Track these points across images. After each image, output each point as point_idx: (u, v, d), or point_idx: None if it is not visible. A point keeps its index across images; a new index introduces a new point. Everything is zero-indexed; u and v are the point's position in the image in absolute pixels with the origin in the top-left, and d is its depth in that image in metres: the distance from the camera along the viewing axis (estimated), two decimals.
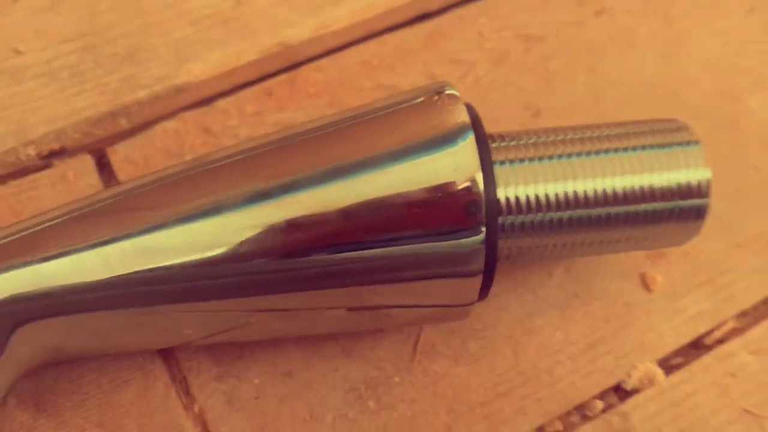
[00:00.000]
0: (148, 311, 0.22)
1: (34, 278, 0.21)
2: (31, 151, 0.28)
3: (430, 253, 0.22)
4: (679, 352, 0.27)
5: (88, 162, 0.28)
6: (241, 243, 0.21)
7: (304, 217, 0.21)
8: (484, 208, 0.21)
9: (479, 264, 0.22)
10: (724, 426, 0.26)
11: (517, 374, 0.26)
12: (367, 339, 0.26)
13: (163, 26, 0.30)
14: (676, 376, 0.27)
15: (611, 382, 0.26)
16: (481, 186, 0.21)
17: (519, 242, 0.23)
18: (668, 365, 0.27)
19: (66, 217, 0.22)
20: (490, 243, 0.22)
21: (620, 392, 0.27)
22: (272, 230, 0.21)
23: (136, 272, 0.21)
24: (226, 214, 0.22)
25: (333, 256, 0.22)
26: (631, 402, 0.26)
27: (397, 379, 0.26)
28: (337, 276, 0.23)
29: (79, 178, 0.28)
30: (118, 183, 0.28)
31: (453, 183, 0.21)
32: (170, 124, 0.29)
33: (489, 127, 0.25)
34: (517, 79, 0.31)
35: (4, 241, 0.22)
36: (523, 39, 0.32)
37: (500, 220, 0.23)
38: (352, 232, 0.21)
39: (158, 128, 0.29)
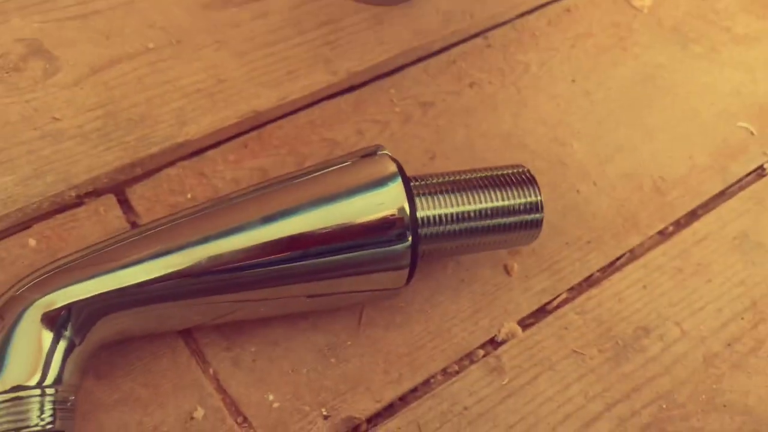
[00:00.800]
0: (188, 302, 0.31)
1: (112, 281, 0.30)
2: (73, 194, 0.35)
3: (375, 256, 0.32)
4: (531, 315, 0.37)
5: (112, 200, 0.36)
6: (251, 253, 0.31)
7: (295, 234, 0.31)
8: (409, 225, 0.32)
9: (407, 261, 0.32)
10: (560, 360, 0.36)
11: (428, 334, 0.36)
12: (327, 316, 0.35)
13: (163, 98, 0.38)
14: (530, 331, 0.37)
15: (488, 336, 0.36)
16: (408, 211, 0.31)
17: (430, 246, 0.33)
18: (524, 324, 0.37)
19: (127, 240, 0.31)
20: (414, 247, 0.32)
21: (494, 344, 0.36)
22: (273, 243, 0.31)
23: (179, 273, 0.30)
24: (240, 234, 0.31)
25: (306, 261, 0.31)
26: (501, 349, 0.36)
27: (349, 342, 0.35)
28: (307, 274, 0.32)
29: (107, 212, 0.36)
30: (136, 215, 0.36)
31: (389, 210, 0.31)
32: (173, 171, 0.37)
33: (406, 169, 0.36)
34: (418, 132, 0.41)
35: (86, 257, 0.31)
36: (420, 104, 0.42)
37: (420, 231, 0.33)
38: (326, 243, 0.31)
39: (164, 173, 0.37)
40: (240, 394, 0.33)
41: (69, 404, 0.29)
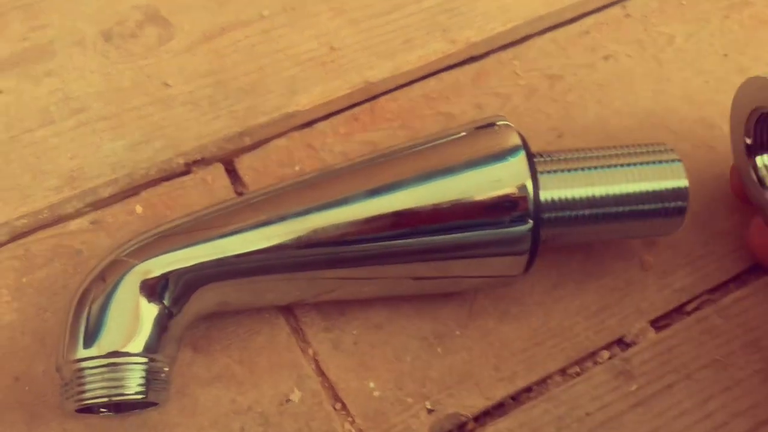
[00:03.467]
0: (289, 276, 0.30)
1: (213, 250, 0.28)
2: (181, 161, 0.35)
3: (490, 239, 0.29)
4: (666, 316, 0.33)
5: (219, 169, 0.35)
6: (356, 227, 0.29)
7: (404, 209, 0.29)
8: (531, 206, 0.28)
9: (526, 246, 0.29)
10: (699, 370, 0.32)
11: (547, 330, 0.33)
12: (434, 302, 0.33)
13: (275, 67, 0.37)
14: (665, 333, 0.33)
15: (615, 337, 0.33)
16: (531, 189, 0.28)
17: (554, 231, 0.30)
18: (658, 325, 0.33)
19: (230, 208, 0.30)
20: (535, 231, 0.29)
21: (622, 345, 0.33)
22: (380, 218, 0.29)
23: (281, 245, 0.28)
24: (345, 206, 0.29)
25: (412, 239, 0.29)
26: (630, 351, 0.32)
27: (458, 332, 0.32)
28: (414, 253, 0.29)
29: (214, 181, 0.35)
30: (244, 185, 0.35)
31: (510, 187, 0.28)
32: (282, 142, 0.36)
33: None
34: (543, 107, 0.37)
35: (187, 225, 0.30)
36: (547, 77, 0.38)
37: (543, 214, 0.29)
38: (437, 221, 0.29)
39: (273, 144, 0.36)
40: (339, 378, 0.31)
41: (163, 375, 0.28)
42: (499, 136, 0.29)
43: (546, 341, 0.32)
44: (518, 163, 0.29)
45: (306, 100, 0.36)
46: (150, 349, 0.28)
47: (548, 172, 0.30)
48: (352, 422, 0.31)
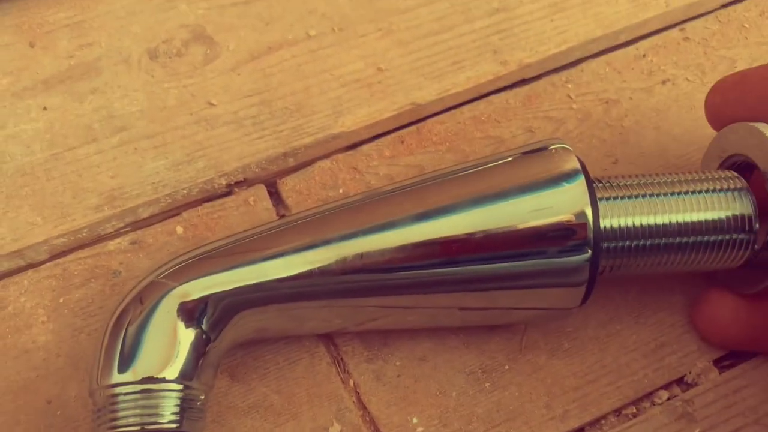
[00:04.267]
0: (330, 302, 0.28)
1: (253, 274, 0.27)
2: (223, 182, 0.34)
3: (544, 269, 0.27)
4: (731, 355, 0.31)
5: (262, 191, 0.34)
6: (402, 253, 0.27)
7: (453, 236, 0.27)
8: (590, 234, 0.27)
9: (584, 277, 0.27)
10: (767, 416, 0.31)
11: (601, 367, 0.31)
12: (482, 334, 0.31)
13: (321, 87, 0.36)
14: (729, 374, 0.31)
15: (675, 376, 0.31)
16: (590, 216, 0.26)
17: (614, 261, 0.28)
18: (722, 365, 0.31)
19: (272, 231, 0.28)
20: (594, 262, 0.27)
21: (682, 385, 0.31)
22: (427, 244, 0.27)
23: (323, 270, 0.27)
24: (391, 231, 0.27)
25: (459, 268, 0.28)
26: (691, 392, 0.30)
27: (507, 366, 0.31)
28: (461, 282, 0.28)
29: (256, 203, 0.34)
30: (286, 207, 0.34)
31: (568, 213, 0.26)
32: (326, 164, 0.35)
33: None
34: (598, 133, 0.36)
35: (227, 247, 0.29)
36: (602, 102, 0.37)
37: (602, 244, 0.27)
38: (488, 248, 0.27)
39: (317, 166, 0.35)
40: (381, 412, 0.30)
41: (199, 404, 0.27)
42: (556, 159, 0.28)
43: (600, 379, 0.31)
44: (577, 188, 0.27)
45: (351, 122, 0.35)
46: (186, 375, 0.26)
47: (608, 198, 0.28)
48: None
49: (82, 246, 0.33)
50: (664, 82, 0.37)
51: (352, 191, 0.34)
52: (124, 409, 0.26)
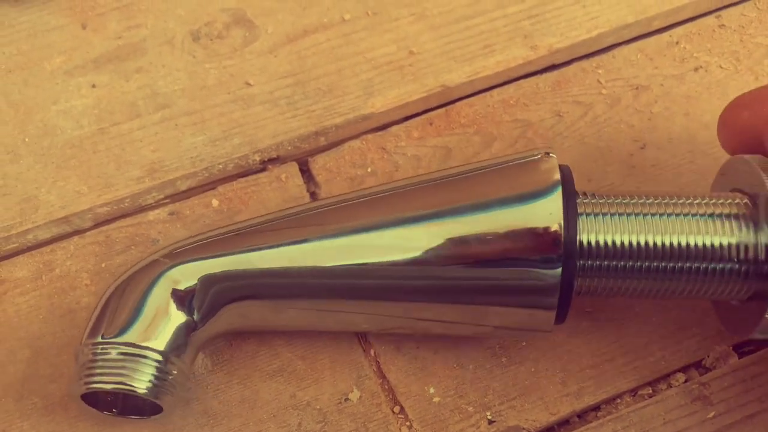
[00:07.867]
0: (307, 304, 0.29)
1: (241, 263, 0.28)
2: (257, 158, 0.35)
3: (519, 284, 0.26)
4: (750, 341, 0.31)
5: (294, 168, 0.35)
6: (379, 256, 0.27)
7: (428, 243, 0.27)
8: (562, 249, 0.25)
9: (555, 296, 0.26)
10: None
11: (619, 347, 0.31)
12: None
13: (353, 69, 0.37)
14: (748, 359, 0.31)
15: (692, 359, 0.31)
16: (562, 231, 0.25)
17: (592, 282, 0.27)
18: (741, 351, 0.31)
19: (279, 220, 0.29)
20: (566, 278, 0.26)
21: (700, 369, 0.31)
22: (399, 249, 0.27)
23: (319, 267, 0.28)
24: (367, 233, 0.28)
25: (448, 277, 0.27)
26: (708, 376, 0.30)
27: (524, 343, 0.31)
28: (448, 292, 0.28)
29: (288, 179, 0.35)
30: (317, 185, 0.35)
31: (540, 226, 0.26)
32: (356, 143, 0.36)
33: (603, 156, 0.31)
34: (627, 118, 0.36)
35: (235, 233, 0.29)
36: (632, 87, 0.37)
37: (579, 262, 0.26)
38: (461, 259, 0.27)
39: (347, 146, 0.36)
40: (399, 381, 0.31)
41: (171, 378, 0.28)
42: (539, 171, 0.27)
43: (617, 358, 0.31)
44: (553, 201, 0.26)
45: (381, 103, 0.36)
46: (167, 350, 0.28)
47: (591, 213, 0.27)
48: (410, 426, 0.30)
49: (124, 215, 0.35)
50: (696, 69, 0.37)
51: (380, 170, 0.35)
52: (102, 368, 0.27)
